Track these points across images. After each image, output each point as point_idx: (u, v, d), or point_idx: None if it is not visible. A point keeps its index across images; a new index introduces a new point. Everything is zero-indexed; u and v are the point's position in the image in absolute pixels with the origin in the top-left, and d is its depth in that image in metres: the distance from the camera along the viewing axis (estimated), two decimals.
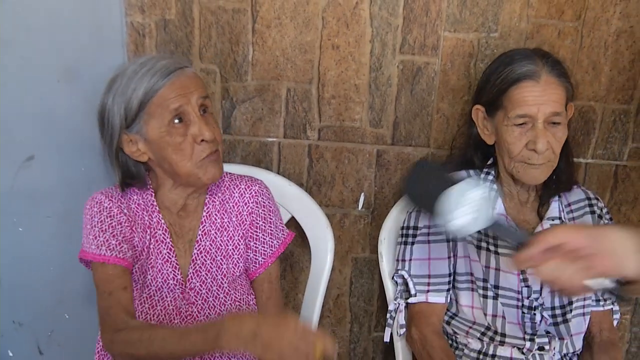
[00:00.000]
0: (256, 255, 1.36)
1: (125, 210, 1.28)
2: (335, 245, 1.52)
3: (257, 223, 1.35)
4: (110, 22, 1.52)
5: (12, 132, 1.52)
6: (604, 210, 1.43)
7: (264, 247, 1.36)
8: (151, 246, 1.29)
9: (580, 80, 1.51)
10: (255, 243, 1.35)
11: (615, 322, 1.46)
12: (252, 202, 1.34)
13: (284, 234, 1.39)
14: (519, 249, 0.96)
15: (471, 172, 1.43)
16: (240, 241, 1.34)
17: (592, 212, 1.41)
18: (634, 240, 0.91)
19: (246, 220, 1.34)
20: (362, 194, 1.62)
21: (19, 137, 1.53)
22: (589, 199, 1.42)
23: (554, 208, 1.38)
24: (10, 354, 1.68)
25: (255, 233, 1.35)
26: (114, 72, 1.26)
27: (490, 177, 1.40)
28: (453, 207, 0.98)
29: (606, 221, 1.41)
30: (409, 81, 1.53)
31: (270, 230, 1.36)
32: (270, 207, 1.37)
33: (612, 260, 0.91)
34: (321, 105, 1.56)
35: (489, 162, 1.41)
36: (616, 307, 1.44)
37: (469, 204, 0.98)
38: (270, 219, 1.36)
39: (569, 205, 1.41)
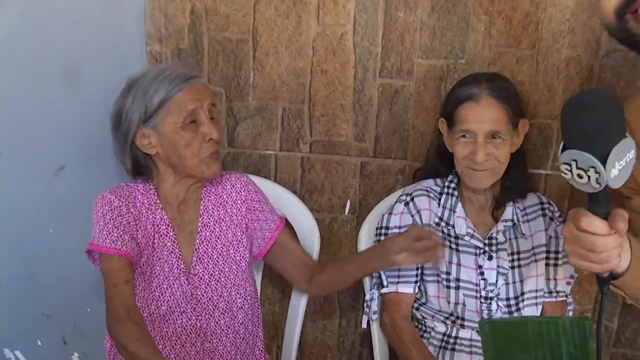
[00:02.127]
0: (259, 235, 1.57)
1: (132, 209, 1.46)
2: (325, 246, 1.74)
3: (254, 206, 1.57)
4: (133, 52, 1.78)
5: (44, 145, 1.74)
6: (556, 214, 1.62)
7: (265, 225, 1.57)
8: (155, 240, 1.49)
9: (538, 100, 1.72)
10: (255, 224, 1.57)
11: (569, 314, 1.64)
12: (244, 191, 1.56)
13: (277, 216, 1.61)
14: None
15: (438, 180, 1.64)
16: (237, 229, 1.55)
17: (544, 215, 1.61)
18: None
19: (242, 207, 1.56)
20: (349, 200, 1.84)
21: (51, 150, 1.77)
22: (542, 203, 1.63)
23: (508, 212, 1.58)
24: (39, 344, 1.89)
25: (254, 215, 1.56)
26: (131, 78, 1.47)
27: (453, 185, 1.61)
28: (616, 159, 0.91)
29: (557, 223, 1.61)
30: (388, 101, 1.76)
31: (267, 210, 1.58)
32: (260, 193, 1.60)
33: None
34: (312, 122, 1.79)
35: (454, 170, 1.62)
36: (570, 300, 1.63)
37: (625, 159, 0.92)
38: (264, 202, 1.59)
39: (524, 209, 1.61)
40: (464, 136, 1.50)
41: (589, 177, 0.91)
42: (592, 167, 0.90)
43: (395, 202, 1.63)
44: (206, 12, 1.73)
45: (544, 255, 1.59)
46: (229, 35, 1.75)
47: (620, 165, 0.91)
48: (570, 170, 0.92)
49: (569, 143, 0.92)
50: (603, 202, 0.96)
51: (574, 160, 0.91)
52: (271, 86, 1.77)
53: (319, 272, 1.58)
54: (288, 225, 1.65)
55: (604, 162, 0.89)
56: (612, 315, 1.87)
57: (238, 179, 1.58)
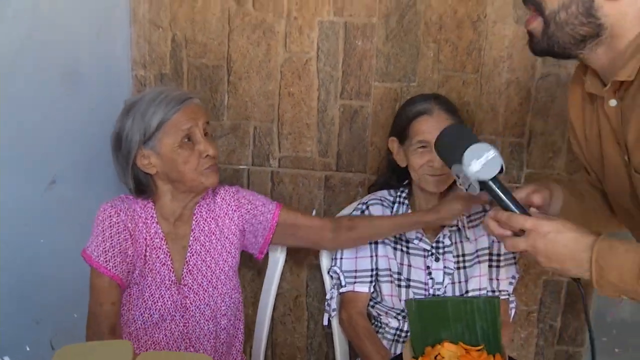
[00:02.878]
0: (260, 227, 1.68)
1: (129, 224, 1.54)
2: (292, 251, 1.91)
3: (246, 208, 1.68)
4: (119, 76, 1.98)
5: (39, 156, 1.90)
6: None
7: (262, 218, 1.68)
8: (148, 253, 1.57)
9: (483, 119, 1.91)
10: (252, 220, 1.68)
11: (512, 312, 1.81)
12: (234, 201, 1.67)
13: (272, 206, 1.69)
14: (504, 208, 1.18)
15: (391, 191, 1.82)
16: (227, 241, 1.66)
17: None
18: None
19: (234, 216, 1.67)
20: (314, 210, 2.02)
21: (45, 161, 1.90)
22: (485, 211, 1.80)
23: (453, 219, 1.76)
24: (27, 349, 1.99)
25: (248, 216, 1.67)
26: (130, 101, 1.57)
27: (404, 195, 1.79)
28: (472, 158, 1.17)
29: None
30: (348, 120, 1.95)
31: (260, 205, 1.69)
32: (250, 194, 1.70)
33: None
34: (280, 139, 1.98)
35: (405, 183, 1.81)
36: (512, 298, 1.80)
37: (484, 157, 1.17)
38: (255, 200, 1.70)
39: (469, 216, 1.79)
40: (421, 147, 1.68)
41: (466, 182, 1.20)
42: (457, 174, 1.21)
43: (353, 210, 1.81)
44: (186, 41, 1.93)
45: (487, 257, 1.76)
46: (205, 61, 1.94)
47: (481, 162, 1.16)
48: (461, 184, 1.21)
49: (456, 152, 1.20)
50: (502, 199, 1.19)
51: (456, 175, 1.21)
52: (244, 107, 1.97)
53: (348, 229, 1.68)
54: (287, 207, 1.73)
55: (460, 164, 1.18)
56: (555, 315, 2.04)
57: (227, 191, 1.69)
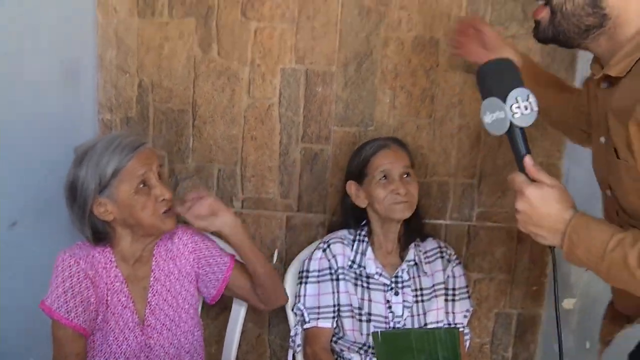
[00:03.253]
0: (212, 277, 1.72)
1: (89, 271, 1.55)
2: None
3: (202, 253, 1.72)
4: (85, 119, 2.02)
5: None
6: (453, 257, 1.90)
7: (217, 268, 1.72)
8: (109, 298, 1.59)
9: (436, 161, 2.03)
10: (206, 269, 1.72)
11: (467, 343, 1.91)
12: (191, 243, 1.72)
13: (226, 254, 1.75)
14: (520, 169, 1.21)
15: (351, 230, 1.91)
16: (185, 280, 1.70)
17: (442, 257, 1.89)
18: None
19: (190, 258, 1.71)
20: (276, 250, 2.09)
21: (4, 206, 1.91)
22: (440, 247, 1.91)
23: (411, 254, 1.86)
24: None
25: (203, 262, 1.72)
26: (81, 149, 1.57)
27: (364, 233, 1.88)
28: (515, 102, 1.17)
29: (454, 264, 1.89)
30: (309, 163, 2.04)
31: (216, 254, 1.73)
32: (208, 240, 1.75)
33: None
34: (244, 181, 2.05)
35: (363, 223, 1.90)
36: (467, 330, 1.90)
37: (527, 106, 1.17)
38: (212, 247, 1.74)
39: (425, 252, 1.89)
40: (383, 178, 1.79)
41: (495, 116, 1.18)
42: (498, 108, 1.17)
43: (315, 249, 1.88)
44: (152, 86, 2.00)
45: (443, 291, 1.86)
46: (171, 106, 2.01)
47: (521, 110, 1.17)
48: (488, 119, 1.20)
49: (483, 96, 1.20)
50: (519, 142, 1.21)
51: (487, 111, 1.19)
52: (208, 150, 2.04)
53: (257, 291, 1.74)
54: (239, 267, 1.77)
55: (504, 100, 1.17)
56: (507, 346, 2.15)
57: (184, 232, 1.74)
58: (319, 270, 1.85)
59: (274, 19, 1.96)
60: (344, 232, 1.90)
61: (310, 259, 1.86)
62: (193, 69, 1.99)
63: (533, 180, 1.20)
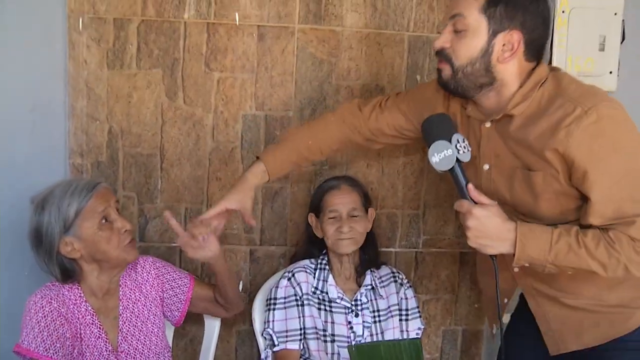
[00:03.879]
0: (175, 299, 1.89)
1: (61, 309, 1.68)
2: (223, 320, 2.12)
3: (165, 277, 1.89)
4: (56, 164, 2.14)
5: None
6: (405, 280, 2.11)
7: (179, 290, 1.91)
8: (82, 331, 1.72)
9: (385, 195, 2.25)
10: (169, 292, 1.89)
11: None
12: (153, 269, 1.88)
13: (187, 276, 1.94)
14: (462, 196, 1.50)
15: (312, 260, 2.09)
16: (152, 305, 1.85)
17: (395, 281, 2.09)
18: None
19: (154, 283, 1.87)
20: (241, 281, 2.24)
21: None
22: (393, 272, 2.12)
23: (367, 279, 2.05)
24: None
25: (166, 285, 1.89)
26: (39, 197, 1.70)
27: (325, 262, 2.07)
28: (434, 151, 1.48)
29: (406, 287, 2.10)
30: (270, 200, 2.22)
31: (177, 277, 1.91)
32: (167, 265, 1.93)
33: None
34: None
35: (324, 252, 2.09)
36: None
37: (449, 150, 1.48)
38: (172, 270, 1.92)
39: (380, 277, 2.09)
40: (332, 217, 1.99)
41: (448, 154, 1.47)
42: (446, 148, 1.48)
43: (280, 278, 2.05)
44: (122, 132, 2.14)
45: (397, 312, 2.07)
46: (140, 150, 2.16)
47: (462, 145, 1.49)
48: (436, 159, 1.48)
49: (430, 141, 1.50)
50: (461, 175, 1.50)
51: (435, 152, 1.48)
52: (175, 191, 2.19)
53: (219, 302, 1.95)
54: (199, 281, 1.98)
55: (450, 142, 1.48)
56: (454, 359, 2.37)
57: (146, 260, 1.90)
58: (285, 297, 2.01)
59: (235, 70, 2.15)
60: (306, 262, 2.08)
61: (276, 287, 2.03)
62: (161, 116, 2.15)
63: (476, 203, 1.50)
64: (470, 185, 1.51)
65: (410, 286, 2.13)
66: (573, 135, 1.45)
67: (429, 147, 1.50)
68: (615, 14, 2.23)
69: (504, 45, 1.54)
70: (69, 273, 1.73)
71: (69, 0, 2.06)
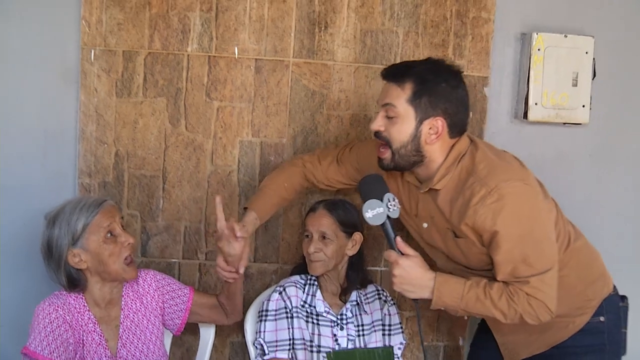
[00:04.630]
0: (175, 309, 2.05)
1: (67, 317, 1.85)
2: (217, 331, 2.26)
3: (165, 289, 2.04)
4: (67, 183, 2.31)
5: None
6: (389, 298, 2.26)
7: (179, 300, 2.05)
8: (84, 338, 1.88)
9: None
10: (170, 302, 2.04)
11: None
12: (154, 282, 2.04)
13: (186, 287, 2.10)
14: (391, 247, 1.77)
15: (302, 275, 2.24)
16: (152, 315, 2.00)
17: (379, 299, 2.24)
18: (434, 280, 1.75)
19: (155, 294, 2.02)
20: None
21: None
22: (377, 290, 2.26)
23: (353, 296, 2.19)
24: None
25: (167, 296, 2.04)
26: (51, 214, 1.88)
27: (313, 278, 2.22)
28: (368, 208, 1.75)
29: (389, 305, 2.24)
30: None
31: (176, 288, 2.06)
32: (168, 277, 2.08)
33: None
34: (207, 237, 2.37)
35: None
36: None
37: (381, 208, 1.75)
38: (172, 283, 2.07)
39: (366, 294, 2.24)
40: (306, 236, 2.16)
41: (380, 211, 1.74)
42: (378, 206, 1.74)
43: (272, 292, 2.20)
44: (127, 155, 2.32)
45: (380, 327, 2.20)
46: (144, 172, 2.33)
47: (392, 203, 1.76)
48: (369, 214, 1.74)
49: (365, 198, 1.76)
50: (390, 229, 1.76)
51: (369, 209, 1.74)
52: (176, 210, 2.35)
53: (225, 306, 2.11)
54: (198, 291, 2.14)
55: (382, 200, 1.75)
56: None
57: (147, 274, 2.06)
58: (275, 310, 2.16)
59: (234, 100, 2.34)
60: (296, 277, 2.23)
61: (268, 300, 2.18)
62: (164, 141, 2.33)
63: (402, 254, 1.76)
64: (398, 239, 1.78)
65: (394, 303, 2.27)
66: (479, 213, 1.73)
67: (363, 204, 1.76)
68: (587, 52, 2.40)
69: (430, 129, 1.80)
70: (75, 282, 1.90)
71: (82, 34, 2.25)
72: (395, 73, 1.83)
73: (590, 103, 2.44)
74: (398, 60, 2.37)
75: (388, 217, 1.75)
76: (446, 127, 1.81)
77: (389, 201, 1.76)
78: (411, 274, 1.75)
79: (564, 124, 2.45)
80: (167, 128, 2.33)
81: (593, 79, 2.43)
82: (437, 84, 1.79)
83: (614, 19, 2.47)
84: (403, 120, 1.80)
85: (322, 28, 2.34)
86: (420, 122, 1.79)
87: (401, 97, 1.79)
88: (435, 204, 1.86)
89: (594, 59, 2.42)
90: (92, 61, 2.27)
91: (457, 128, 1.83)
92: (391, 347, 1.67)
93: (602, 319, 1.94)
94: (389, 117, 1.82)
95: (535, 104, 2.40)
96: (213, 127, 2.34)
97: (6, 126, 2.29)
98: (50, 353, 1.80)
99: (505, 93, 2.46)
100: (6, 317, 2.32)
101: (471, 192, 1.75)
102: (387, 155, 1.84)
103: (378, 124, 1.83)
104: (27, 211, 2.28)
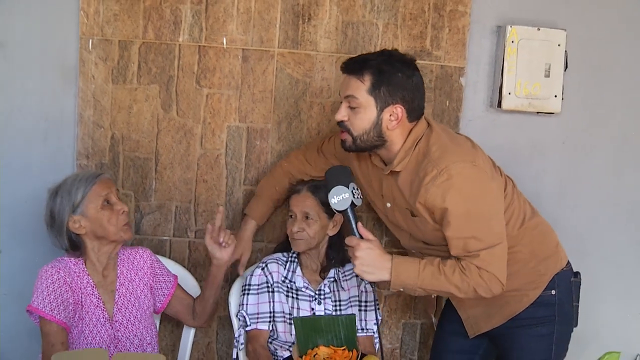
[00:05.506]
0: (159, 292, 2.22)
1: (67, 278, 2.04)
2: None
3: (155, 271, 2.22)
4: (65, 164, 2.47)
5: None
6: None
7: (164, 285, 2.22)
8: (83, 300, 2.07)
9: None
10: (156, 285, 2.21)
11: (377, 346, 2.39)
12: (148, 260, 2.22)
13: (171, 274, 2.27)
14: (352, 233, 1.94)
15: (284, 253, 2.38)
16: (144, 287, 2.18)
17: (356, 276, 2.34)
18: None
19: (147, 272, 2.20)
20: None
21: None
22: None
23: (331, 273, 2.33)
24: None
25: (156, 278, 2.21)
26: (52, 188, 2.09)
27: (295, 255, 2.36)
28: (334, 194, 1.92)
29: (366, 283, 2.35)
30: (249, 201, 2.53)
31: (163, 274, 2.23)
32: (159, 262, 2.26)
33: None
34: (197, 216, 2.52)
35: None
36: (376, 335, 2.37)
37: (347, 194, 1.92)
38: (162, 267, 2.25)
39: (344, 272, 2.37)
40: (290, 217, 2.29)
41: (345, 197, 1.92)
42: (344, 192, 1.91)
43: (255, 267, 2.35)
44: (122, 138, 2.47)
45: (357, 303, 2.34)
46: (138, 154, 2.48)
47: (356, 192, 1.95)
48: (335, 200, 1.93)
49: (331, 185, 1.95)
50: (352, 215, 1.94)
51: (335, 195, 1.92)
52: (167, 191, 2.51)
53: (196, 310, 2.27)
54: (180, 288, 2.29)
55: (348, 187, 1.93)
56: (413, 350, 2.64)
57: (144, 251, 2.24)
58: (258, 285, 2.31)
59: (222, 87, 2.48)
60: (278, 255, 2.38)
61: (251, 275, 2.33)
62: (156, 125, 2.48)
63: (362, 238, 1.92)
64: (359, 224, 1.95)
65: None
66: (430, 191, 1.89)
67: (330, 191, 1.93)
68: (559, 45, 2.52)
69: (390, 115, 1.95)
70: (75, 245, 2.11)
71: (81, 24, 2.41)
72: (354, 67, 1.97)
73: (563, 93, 2.55)
74: None
75: (352, 204, 1.92)
76: (405, 113, 1.96)
77: (354, 189, 1.94)
78: (371, 255, 1.90)
79: (537, 113, 2.57)
80: (159, 113, 2.48)
81: (565, 70, 2.54)
82: (394, 74, 1.93)
83: (585, 12, 2.57)
84: (365, 110, 1.95)
85: (306, 20, 2.47)
86: (381, 110, 1.94)
87: (361, 89, 1.94)
88: (396, 185, 2.01)
89: (565, 51, 2.53)
90: (90, 50, 2.42)
91: (415, 113, 1.98)
92: (353, 315, 1.80)
93: (553, 292, 2.08)
94: (351, 108, 1.96)
95: (509, 93, 2.51)
96: (202, 112, 2.48)
97: (10, 112, 2.45)
98: (52, 310, 1.99)
99: (481, 83, 2.58)
100: (10, 286, 2.49)
101: (424, 172, 1.90)
102: (346, 137, 2.01)
103: (342, 115, 1.99)
104: (29, 190, 2.45)
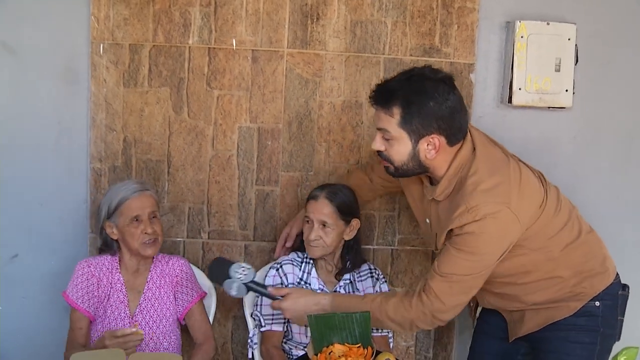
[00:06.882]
0: (180, 303, 2.25)
1: (97, 274, 2.20)
2: (220, 306, 2.43)
3: (182, 282, 2.26)
4: (79, 168, 2.50)
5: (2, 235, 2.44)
6: (380, 275, 2.39)
7: (185, 297, 2.25)
8: (110, 294, 2.20)
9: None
10: (180, 294, 2.25)
11: (391, 344, 2.39)
12: (178, 269, 2.27)
13: (199, 291, 2.31)
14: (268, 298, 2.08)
15: (299, 253, 2.39)
16: (171, 293, 2.24)
17: (372, 277, 2.37)
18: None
19: (174, 281, 2.26)
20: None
21: (8, 239, 2.47)
22: (370, 269, 2.40)
23: (347, 275, 2.34)
24: None
25: (181, 288, 2.26)
26: (110, 185, 2.31)
27: (309, 256, 2.36)
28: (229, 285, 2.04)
29: (381, 282, 2.38)
30: (262, 201, 2.54)
31: (190, 286, 2.27)
32: (189, 273, 2.30)
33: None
34: (209, 217, 2.54)
35: None
36: (390, 335, 2.38)
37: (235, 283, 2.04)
38: (191, 280, 2.29)
39: (359, 273, 2.37)
40: (307, 222, 2.29)
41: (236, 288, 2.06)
42: (233, 282, 2.05)
43: (270, 268, 2.36)
44: (135, 141, 2.49)
45: None
46: (150, 157, 2.50)
47: (240, 272, 2.07)
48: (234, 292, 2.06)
49: (220, 282, 2.10)
50: (257, 286, 2.11)
51: (228, 289, 2.06)
52: (180, 192, 2.52)
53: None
54: (200, 307, 2.30)
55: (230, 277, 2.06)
56: (428, 348, 2.64)
57: (178, 260, 2.32)
58: (272, 285, 2.32)
59: (232, 88, 2.49)
60: (293, 255, 2.38)
61: (266, 276, 2.34)
62: (168, 128, 2.49)
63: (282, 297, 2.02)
64: (270, 289, 2.09)
65: (385, 281, 2.41)
66: (454, 223, 1.83)
67: (223, 287, 2.06)
68: (569, 39, 2.51)
69: (427, 145, 1.86)
70: (108, 246, 2.25)
71: (92, 29, 2.42)
72: (380, 99, 1.87)
73: (574, 88, 2.54)
74: (387, 50, 2.50)
75: (246, 283, 2.04)
76: (444, 140, 1.85)
77: (237, 272, 2.04)
78: (298, 305, 2.00)
79: (548, 108, 2.56)
80: (170, 115, 2.49)
81: (576, 64, 2.53)
82: (424, 104, 1.81)
83: (595, 6, 2.56)
84: (399, 143, 1.86)
85: (314, 20, 2.48)
86: (416, 143, 1.85)
87: (392, 123, 1.84)
88: (437, 209, 1.97)
89: (576, 45, 2.51)
90: (101, 54, 2.44)
91: (455, 137, 1.87)
92: (368, 312, 1.80)
93: (597, 304, 1.98)
94: (385, 139, 1.89)
95: (519, 88, 2.50)
96: (213, 114, 2.50)
97: (22, 117, 2.47)
98: (77, 299, 2.18)
99: (490, 79, 2.57)
100: (27, 290, 2.53)
101: (457, 205, 1.83)
102: (391, 167, 1.95)
103: (377, 145, 1.92)
104: (43, 194, 2.48)
